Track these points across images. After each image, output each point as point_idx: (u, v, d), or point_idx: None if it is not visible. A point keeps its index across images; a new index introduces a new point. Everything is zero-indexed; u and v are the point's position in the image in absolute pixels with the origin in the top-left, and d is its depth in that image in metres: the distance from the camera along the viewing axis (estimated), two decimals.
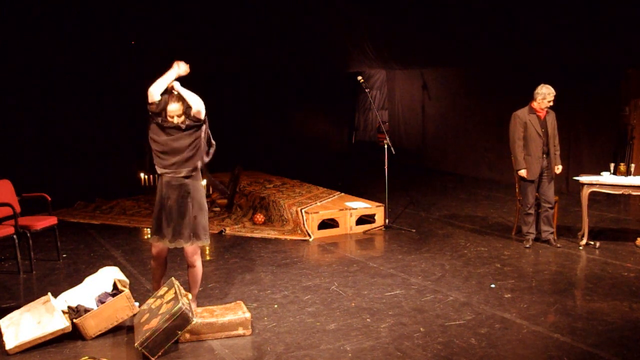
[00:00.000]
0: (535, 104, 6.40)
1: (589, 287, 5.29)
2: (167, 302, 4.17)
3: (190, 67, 4.64)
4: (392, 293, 5.12)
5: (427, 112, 13.28)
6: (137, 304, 4.60)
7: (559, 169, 6.56)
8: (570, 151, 9.61)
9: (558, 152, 6.57)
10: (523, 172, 6.46)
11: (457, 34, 10.50)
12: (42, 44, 11.36)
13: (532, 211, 6.58)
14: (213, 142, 4.62)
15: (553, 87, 6.44)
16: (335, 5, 12.27)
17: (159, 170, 4.46)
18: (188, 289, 4.56)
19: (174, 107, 4.41)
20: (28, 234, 5.84)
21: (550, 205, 6.52)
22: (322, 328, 4.38)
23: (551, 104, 6.38)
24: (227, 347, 4.08)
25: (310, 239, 7.05)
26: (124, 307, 4.36)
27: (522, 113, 6.48)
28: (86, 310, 4.30)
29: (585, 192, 6.53)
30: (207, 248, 6.88)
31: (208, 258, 6.41)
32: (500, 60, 10.63)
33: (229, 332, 4.23)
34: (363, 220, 7.55)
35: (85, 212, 8.69)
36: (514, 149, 6.53)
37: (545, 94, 6.32)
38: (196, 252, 4.52)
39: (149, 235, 4.53)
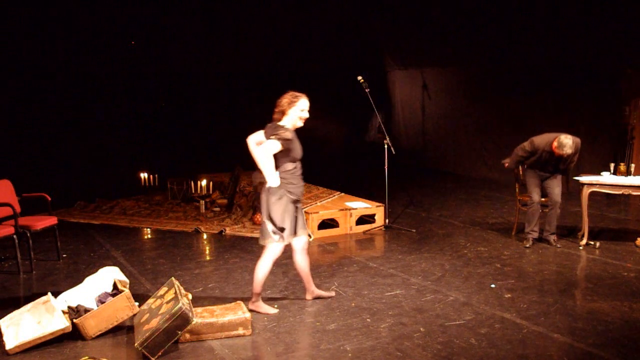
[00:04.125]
0: (554, 145, 6.22)
1: (589, 287, 5.29)
2: (167, 302, 4.17)
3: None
4: (392, 293, 5.12)
5: (427, 112, 13.28)
6: (137, 303, 4.59)
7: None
8: None
9: (569, 171, 6.55)
10: (505, 162, 6.71)
11: (457, 34, 10.50)
12: (42, 45, 11.37)
13: (536, 209, 6.56)
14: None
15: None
16: (335, 5, 12.28)
17: (297, 173, 4.60)
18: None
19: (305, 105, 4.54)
20: (28, 234, 5.84)
21: (555, 205, 6.50)
22: (322, 328, 4.37)
23: (564, 155, 6.22)
24: (227, 347, 4.08)
25: (310, 239, 7.05)
26: (124, 307, 4.36)
27: (539, 142, 6.35)
28: (86, 310, 4.30)
29: (585, 192, 6.53)
30: (207, 248, 6.88)
31: (208, 258, 6.42)
32: (500, 60, 10.63)
33: (229, 332, 4.23)
34: (363, 220, 7.55)
35: (85, 212, 8.70)
36: (513, 157, 6.64)
37: (561, 145, 6.12)
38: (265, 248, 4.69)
39: (279, 240, 4.55)
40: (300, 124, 4.53)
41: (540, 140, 6.39)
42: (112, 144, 12.75)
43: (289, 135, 4.43)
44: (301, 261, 4.82)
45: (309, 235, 7.09)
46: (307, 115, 4.51)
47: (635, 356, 3.90)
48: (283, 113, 4.49)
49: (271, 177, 4.43)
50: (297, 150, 4.54)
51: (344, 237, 7.22)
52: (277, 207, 4.50)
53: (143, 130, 13.18)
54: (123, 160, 12.16)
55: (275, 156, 4.45)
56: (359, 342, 4.12)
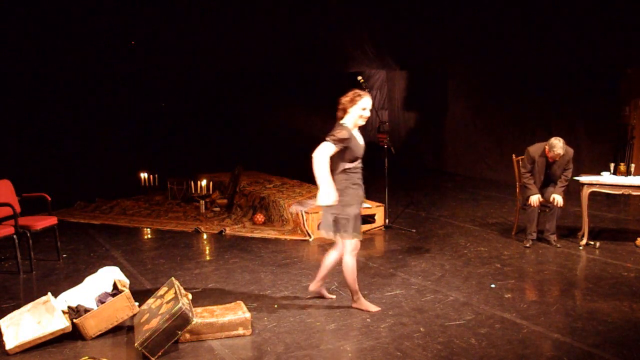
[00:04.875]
0: (546, 149, 6.39)
1: (589, 287, 5.29)
2: (167, 302, 4.17)
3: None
4: (392, 293, 5.12)
5: (427, 112, 13.28)
6: (137, 303, 4.60)
7: (554, 199, 6.44)
8: None
9: (562, 185, 6.51)
10: (534, 199, 6.45)
11: (457, 35, 10.50)
12: (42, 45, 11.37)
13: (534, 209, 6.55)
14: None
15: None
16: (335, 5, 12.28)
17: (356, 173, 4.54)
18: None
19: (368, 104, 4.47)
20: (28, 234, 5.84)
21: (552, 206, 6.50)
22: (322, 328, 4.37)
23: (556, 157, 6.34)
24: (227, 347, 4.08)
25: (310, 239, 7.05)
26: (124, 307, 4.36)
27: (534, 150, 6.52)
28: (86, 310, 4.30)
29: (585, 192, 6.53)
30: (207, 248, 6.89)
31: (208, 258, 6.42)
32: (500, 60, 10.63)
33: (229, 332, 4.23)
34: (363, 220, 7.54)
35: (85, 212, 8.70)
36: (523, 179, 6.64)
37: (551, 146, 6.29)
38: (344, 245, 4.66)
39: (354, 238, 4.58)
40: (361, 122, 4.49)
41: (534, 149, 6.55)
42: (112, 144, 12.76)
43: (345, 134, 4.35)
44: (331, 258, 4.81)
45: (309, 235, 7.10)
46: (368, 114, 4.47)
47: (635, 356, 3.90)
48: (345, 111, 4.46)
49: (323, 186, 4.28)
50: (357, 149, 4.46)
51: None
52: (345, 211, 4.48)
53: (143, 130, 13.19)
54: (123, 160, 12.17)
55: (333, 156, 4.39)
56: (359, 342, 4.12)
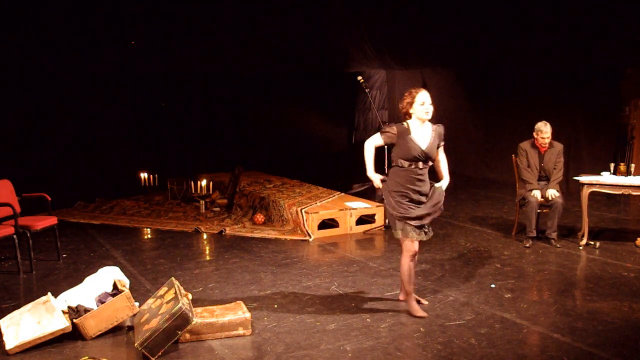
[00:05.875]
0: (534, 137, 6.62)
1: (589, 287, 5.29)
2: (167, 302, 4.17)
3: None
4: (392, 293, 5.13)
5: None
6: (137, 304, 4.60)
7: (549, 193, 6.48)
8: (570, 151, 9.62)
9: (556, 180, 6.56)
10: (536, 194, 6.48)
11: (457, 35, 10.50)
12: (42, 44, 11.37)
13: (532, 207, 6.56)
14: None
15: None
16: (334, 5, 12.28)
17: (410, 173, 4.67)
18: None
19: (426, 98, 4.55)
20: (28, 234, 5.84)
21: (556, 202, 6.49)
22: (322, 328, 4.37)
23: (545, 140, 6.51)
24: (227, 347, 4.08)
25: (310, 239, 7.05)
26: (124, 307, 4.36)
27: (525, 144, 6.73)
28: (86, 310, 4.30)
29: (585, 192, 6.53)
30: (207, 248, 6.88)
31: (208, 258, 6.42)
32: (500, 61, 10.62)
33: (229, 332, 4.23)
34: (363, 220, 7.55)
35: (85, 212, 8.70)
36: (523, 175, 6.69)
37: (538, 130, 6.55)
38: (401, 244, 4.72)
39: (399, 235, 4.71)
40: (426, 117, 4.55)
41: (524, 142, 6.76)
42: (112, 144, 12.75)
43: (393, 129, 4.50)
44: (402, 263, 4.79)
45: (309, 235, 7.10)
46: (429, 107, 4.53)
47: (635, 356, 3.90)
48: (407, 114, 4.57)
49: (368, 169, 4.61)
50: (407, 148, 4.48)
51: (344, 237, 7.22)
52: (388, 203, 4.63)
53: (143, 130, 13.18)
54: (123, 160, 12.16)
55: (391, 151, 4.60)
56: (359, 342, 4.12)
